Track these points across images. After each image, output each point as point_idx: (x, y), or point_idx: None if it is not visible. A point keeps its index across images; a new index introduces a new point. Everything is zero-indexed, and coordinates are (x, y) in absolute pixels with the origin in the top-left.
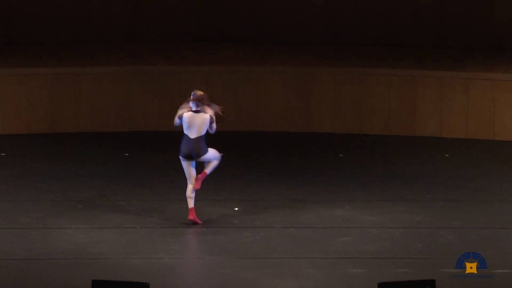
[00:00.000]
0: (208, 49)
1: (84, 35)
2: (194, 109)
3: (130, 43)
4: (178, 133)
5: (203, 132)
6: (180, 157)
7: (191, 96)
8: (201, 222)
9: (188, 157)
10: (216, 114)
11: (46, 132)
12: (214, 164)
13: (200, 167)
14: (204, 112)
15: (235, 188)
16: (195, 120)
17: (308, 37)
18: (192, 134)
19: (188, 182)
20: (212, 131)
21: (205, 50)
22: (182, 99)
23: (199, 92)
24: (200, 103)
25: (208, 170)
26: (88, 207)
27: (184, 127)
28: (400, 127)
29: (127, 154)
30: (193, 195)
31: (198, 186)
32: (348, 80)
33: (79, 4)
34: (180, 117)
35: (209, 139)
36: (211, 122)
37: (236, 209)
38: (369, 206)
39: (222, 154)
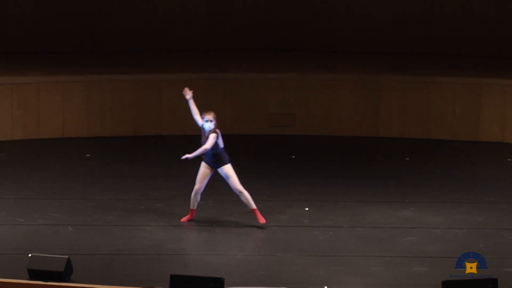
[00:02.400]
0: (281, 58)
1: (166, 45)
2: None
3: (208, 52)
4: (254, 136)
5: None
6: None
7: (205, 120)
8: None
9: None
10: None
11: (129, 135)
12: None
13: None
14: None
15: (306, 189)
16: None
17: (376, 47)
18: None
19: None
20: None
21: (279, 59)
22: (256, 105)
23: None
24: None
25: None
26: (167, 206)
27: (220, 141)
28: (465, 132)
29: (203, 156)
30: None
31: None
32: (415, 87)
33: (161, 17)
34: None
35: (279, 143)
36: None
37: (307, 209)
38: (433, 207)
39: (292, 157)
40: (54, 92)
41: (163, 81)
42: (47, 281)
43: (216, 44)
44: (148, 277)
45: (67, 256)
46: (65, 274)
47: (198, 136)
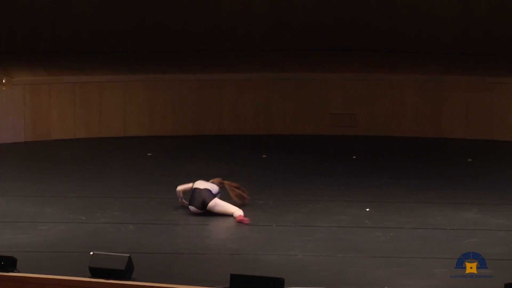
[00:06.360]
0: (343, 58)
1: (227, 44)
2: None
3: (270, 52)
4: (315, 136)
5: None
6: None
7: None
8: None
9: None
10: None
11: (190, 134)
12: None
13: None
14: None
15: (367, 190)
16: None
17: (440, 47)
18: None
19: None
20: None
21: (341, 59)
22: (318, 105)
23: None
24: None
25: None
26: None
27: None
28: None
29: (264, 156)
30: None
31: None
32: (478, 88)
33: (223, 17)
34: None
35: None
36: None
37: (368, 210)
38: (496, 209)
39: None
40: (116, 91)
41: (224, 80)
42: (108, 279)
43: (277, 44)
44: (209, 276)
45: (128, 255)
46: (126, 272)
47: (257, 136)
